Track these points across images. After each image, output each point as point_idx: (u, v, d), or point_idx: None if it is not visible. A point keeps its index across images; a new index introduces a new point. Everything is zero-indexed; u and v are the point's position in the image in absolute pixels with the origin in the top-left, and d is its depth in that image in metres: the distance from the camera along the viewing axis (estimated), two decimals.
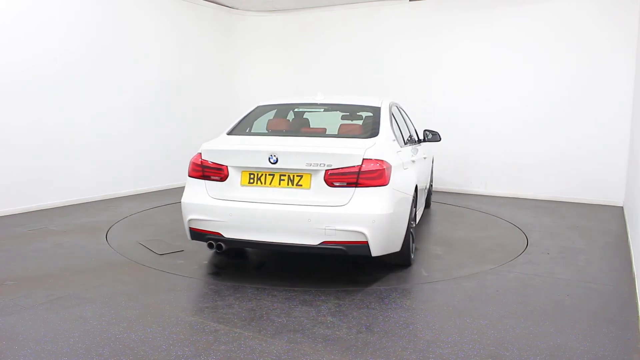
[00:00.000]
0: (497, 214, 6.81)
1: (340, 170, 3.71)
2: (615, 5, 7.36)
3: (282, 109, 5.14)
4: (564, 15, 7.66)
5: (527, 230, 5.85)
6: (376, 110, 4.59)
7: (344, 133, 4.40)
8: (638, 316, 3.37)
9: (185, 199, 4.10)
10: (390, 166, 3.84)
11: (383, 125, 4.35)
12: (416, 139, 5.86)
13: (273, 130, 4.79)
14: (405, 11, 8.82)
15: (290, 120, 5.06)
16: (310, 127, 4.97)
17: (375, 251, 3.73)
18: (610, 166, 7.52)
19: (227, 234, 3.90)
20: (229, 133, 4.54)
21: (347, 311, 3.40)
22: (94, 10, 7.11)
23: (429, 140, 6.06)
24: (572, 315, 3.37)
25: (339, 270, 4.28)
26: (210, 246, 4.03)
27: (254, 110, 4.97)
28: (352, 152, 3.76)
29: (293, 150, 3.86)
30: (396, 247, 4.00)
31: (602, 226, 6.16)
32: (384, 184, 3.74)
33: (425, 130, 6.11)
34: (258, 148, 3.95)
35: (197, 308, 3.43)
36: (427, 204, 6.94)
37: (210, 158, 4.04)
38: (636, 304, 3.60)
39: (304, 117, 5.17)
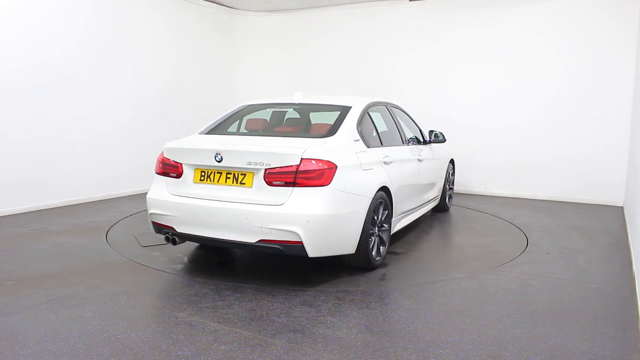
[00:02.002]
0: (497, 213, 6.81)
1: (278, 170, 3.73)
2: (615, 5, 7.36)
3: (261, 109, 5.17)
4: (565, 17, 7.65)
5: (527, 230, 5.85)
6: (345, 110, 4.56)
7: (313, 132, 4.41)
8: (638, 316, 3.38)
9: (149, 194, 4.29)
10: (335, 166, 3.78)
11: (345, 125, 4.32)
12: (420, 140, 5.84)
13: (251, 130, 4.86)
14: (405, 11, 8.82)
15: (267, 120, 5.09)
16: (288, 126, 4.94)
17: (312, 252, 3.71)
18: (611, 166, 7.51)
19: (179, 229, 4.07)
20: (204, 132, 4.62)
21: (347, 311, 3.40)
22: (94, 10, 7.11)
23: (433, 142, 6.04)
24: (572, 315, 3.37)
25: (339, 270, 4.27)
26: (167, 239, 4.21)
27: (238, 109, 5.04)
28: (290, 151, 3.76)
29: (235, 149, 3.92)
30: (346, 249, 3.97)
31: (602, 226, 6.16)
32: (324, 184, 3.71)
33: (429, 132, 6.10)
34: (205, 147, 4.05)
35: (197, 308, 3.42)
36: (444, 208, 6.85)
37: (169, 156, 4.19)
38: (636, 304, 3.60)
39: (283, 116, 5.17)
